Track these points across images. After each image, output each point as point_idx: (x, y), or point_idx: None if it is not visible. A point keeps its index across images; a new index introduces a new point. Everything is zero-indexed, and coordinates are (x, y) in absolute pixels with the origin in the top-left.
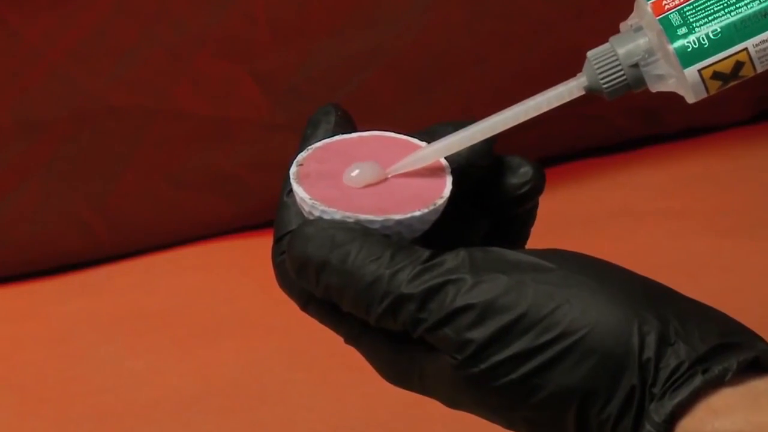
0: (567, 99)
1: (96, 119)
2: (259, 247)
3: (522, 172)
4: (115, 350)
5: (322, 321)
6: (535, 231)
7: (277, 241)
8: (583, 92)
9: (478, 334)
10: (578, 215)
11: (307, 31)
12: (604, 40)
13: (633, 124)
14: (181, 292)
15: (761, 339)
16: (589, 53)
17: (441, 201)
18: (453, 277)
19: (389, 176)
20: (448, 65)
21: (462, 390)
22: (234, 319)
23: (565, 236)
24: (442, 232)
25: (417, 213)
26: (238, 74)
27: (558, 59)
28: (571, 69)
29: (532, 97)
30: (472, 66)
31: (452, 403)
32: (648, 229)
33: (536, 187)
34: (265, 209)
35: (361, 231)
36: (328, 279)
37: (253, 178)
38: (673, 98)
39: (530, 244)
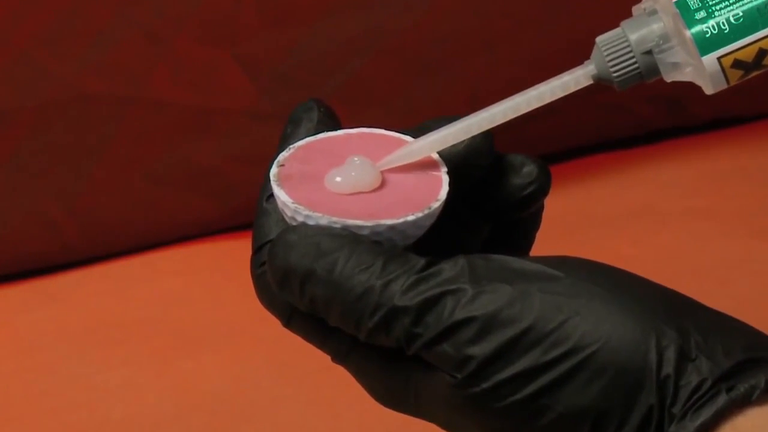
0: (573, 89)
1: (65, 108)
2: (245, 249)
3: (525, 172)
4: (86, 363)
5: (306, 338)
6: (546, 233)
7: (256, 251)
8: (591, 81)
9: (480, 349)
10: (595, 215)
11: (297, 13)
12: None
13: (656, 115)
14: (159, 299)
15: None
16: (599, 39)
17: (437, 204)
18: (452, 287)
19: (381, 180)
20: (452, 50)
21: (462, 411)
22: (217, 328)
23: (581, 238)
24: (438, 239)
25: (410, 217)
26: (221, 59)
27: (574, 44)
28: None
29: (535, 87)
30: (478, 51)
31: (451, 426)
32: (672, 230)
33: (541, 188)
34: (252, 208)
35: (350, 238)
36: (314, 291)
37: (238, 173)
38: (701, 88)
39: (542, 247)
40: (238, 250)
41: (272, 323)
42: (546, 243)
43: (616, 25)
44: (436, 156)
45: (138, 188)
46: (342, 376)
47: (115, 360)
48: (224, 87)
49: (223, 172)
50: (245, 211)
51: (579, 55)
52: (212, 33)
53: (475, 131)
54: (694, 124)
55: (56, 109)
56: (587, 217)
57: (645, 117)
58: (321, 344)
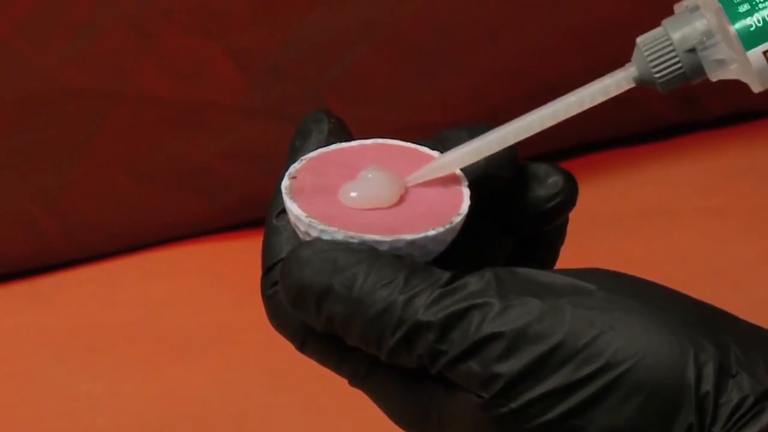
0: (614, 93)
1: (48, 103)
2: (236, 250)
3: (551, 183)
4: (69, 370)
5: (323, 361)
6: None
7: (267, 271)
8: (633, 84)
9: (508, 367)
10: (604, 215)
11: (291, 2)
12: (634, 10)
13: (668, 110)
14: (145, 303)
15: None
16: (639, 39)
17: (458, 218)
18: (478, 301)
19: (399, 195)
20: (453, 41)
21: None
22: (207, 333)
23: (589, 239)
24: (460, 254)
25: (431, 232)
26: (211, 52)
27: (582, 34)
28: (598, 46)
29: (574, 92)
30: (481, 42)
31: None
32: (685, 230)
33: (567, 200)
34: (243, 207)
35: (369, 252)
36: (332, 308)
37: (228, 170)
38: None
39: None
40: (228, 252)
41: (264, 329)
42: None
43: (623, 13)
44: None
45: (123, 186)
46: (336, 384)
47: (99, 367)
48: (214, 80)
49: (213, 170)
50: (237, 210)
51: (585, 44)
52: (201, 24)
53: (511, 141)
54: (707, 119)
55: (37, 104)
56: (595, 217)
57: (656, 112)
58: (337, 367)
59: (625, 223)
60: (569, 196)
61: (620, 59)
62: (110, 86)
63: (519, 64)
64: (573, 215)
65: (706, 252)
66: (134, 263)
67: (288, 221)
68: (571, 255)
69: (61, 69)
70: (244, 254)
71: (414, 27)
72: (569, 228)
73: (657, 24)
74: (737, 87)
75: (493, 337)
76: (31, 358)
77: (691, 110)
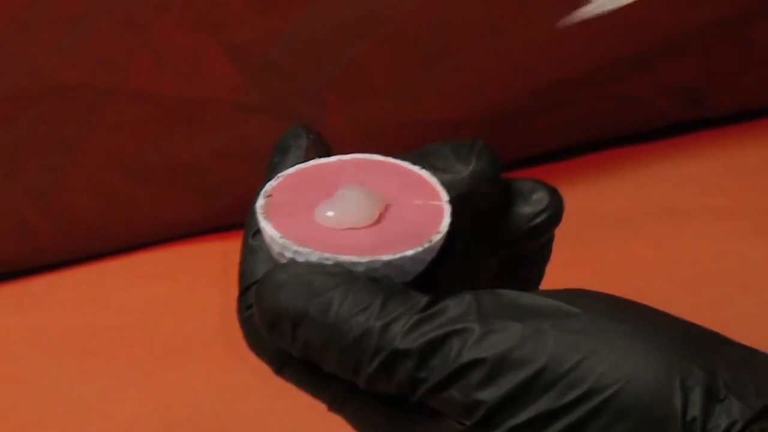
0: None
1: (38, 99)
2: (231, 252)
3: (535, 199)
4: (61, 374)
5: (301, 386)
6: (557, 232)
7: (243, 292)
8: None
9: (490, 394)
10: (610, 213)
11: None
12: (641, 5)
13: (674, 107)
14: (139, 304)
15: None
16: None
17: (437, 237)
18: (457, 326)
19: (377, 214)
20: (455, 36)
21: None
22: (202, 336)
23: (594, 239)
24: (441, 274)
25: (409, 252)
26: (207, 46)
27: (589, 29)
28: (605, 41)
29: None
30: (485, 37)
31: None
32: (693, 230)
33: (553, 217)
34: (239, 207)
35: (344, 275)
36: (307, 335)
37: (224, 169)
38: (724, 77)
39: (553, 249)
40: (224, 252)
41: None
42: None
43: (630, 7)
44: (437, 184)
45: (116, 185)
46: None
47: (92, 370)
48: (209, 76)
49: (209, 168)
50: (232, 210)
51: (592, 37)
52: (196, 18)
53: None
54: (715, 116)
55: (28, 100)
56: (601, 217)
57: (662, 109)
58: (316, 392)
59: (632, 223)
60: (555, 212)
61: (627, 54)
62: (103, 82)
63: (523, 59)
64: (579, 214)
65: (713, 252)
66: (128, 264)
67: (263, 240)
68: (576, 255)
69: (52, 64)
70: (239, 255)
71: (415, 21)
72: (575, 227)
73: (666, 18)
74: (746, 84)
75: (473, 364)
76: (23, 361)
77: (698, 108)
